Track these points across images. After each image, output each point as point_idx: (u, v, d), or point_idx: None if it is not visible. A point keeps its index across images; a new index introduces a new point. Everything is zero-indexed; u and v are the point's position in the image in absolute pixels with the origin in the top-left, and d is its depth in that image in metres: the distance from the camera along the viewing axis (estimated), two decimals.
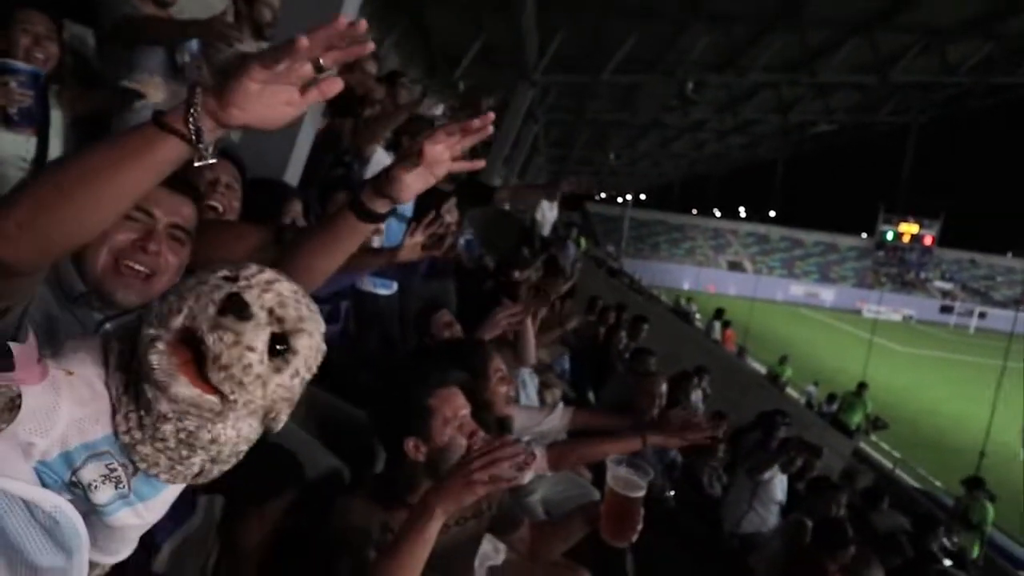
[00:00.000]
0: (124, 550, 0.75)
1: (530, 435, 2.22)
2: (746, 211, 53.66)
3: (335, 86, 0.68)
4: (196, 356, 0.62)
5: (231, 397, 0.62)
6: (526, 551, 1.65)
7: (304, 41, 0.61)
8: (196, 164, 0.67)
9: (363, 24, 0.63)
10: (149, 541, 1.33)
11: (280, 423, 0.71)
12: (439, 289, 3.50)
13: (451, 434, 1.37)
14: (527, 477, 1.76)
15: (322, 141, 3.18)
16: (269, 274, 0.65)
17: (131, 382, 0.65)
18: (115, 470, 0.66)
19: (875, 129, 16.93)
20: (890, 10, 7.67)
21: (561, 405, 2.35)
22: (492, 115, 0.86)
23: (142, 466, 0.67)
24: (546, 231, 8.12)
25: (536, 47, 7.94)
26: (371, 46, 0.65)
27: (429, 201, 3.26)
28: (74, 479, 0.64)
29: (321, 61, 0.64)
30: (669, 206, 49.46)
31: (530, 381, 3.25)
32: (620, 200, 46.08)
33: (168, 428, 0.65)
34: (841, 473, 9.31)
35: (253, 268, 0.66)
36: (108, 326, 0.68)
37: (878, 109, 12.97)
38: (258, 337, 0.61)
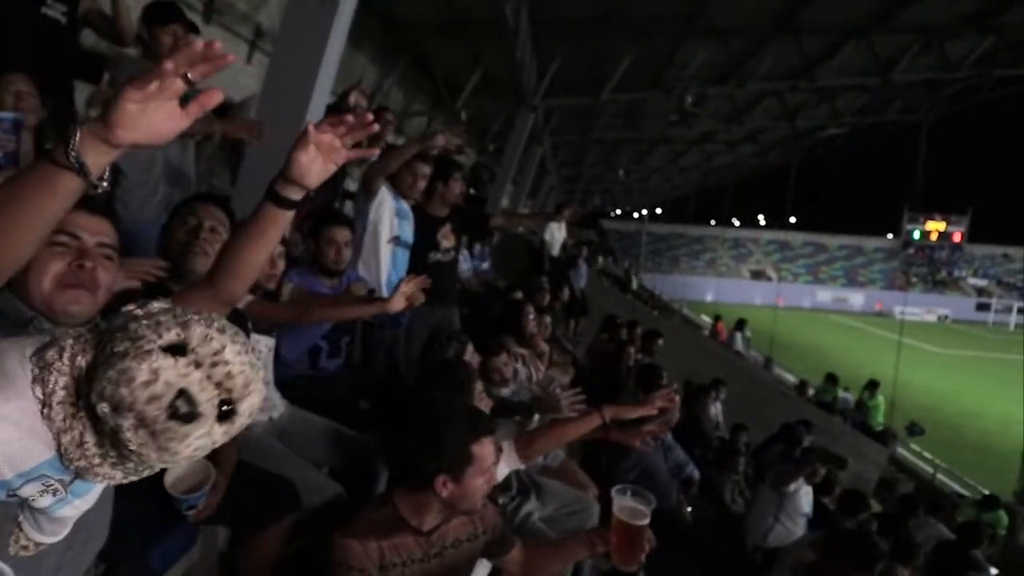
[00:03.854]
0: (64, 531, 0.83)
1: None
2: (765, 218, 53.01)
3: (214, 98, 0.75)
4: None
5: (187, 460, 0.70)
6: (518, 573, 1.66)
7: (169, 65, 0.70)
8: (92, 192, 0.74)
9: (217, 44, 0.71)
10: (147, 574, 1.40)
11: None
12: (444, 316, 3.55)
13: (480, 480, 1.41)
14: (501, 473, 1.79)
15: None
16: (216, 340, 0.66)
17: (87, 420, 0.67)
18: (51, 484, 0.71)
19: (888, 129, 16.71)
20: (884, 13, 7.67)
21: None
22: (369, 115, 0.98)
23: (96, 480, 0.72)
24: (555, 251, 8.17)
25: (534, 73, 8.13)
26: (231, 58, 0.73)
27: (426, 225, 3.36)
28: (11, 496, 0.70)
29: (189, 76, 0.71)
30: (686, 218, 49.19)
31: None
32: (636, 216, 46.04)
33: (135, 459, 0.69)
34: (878, 482, 8.98)
35: (198, 332, 0.66)
36: (33, 358, 0.69)
37: (886, 109, 12.85)
38: (205, 424, 0.66)
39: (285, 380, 2.22)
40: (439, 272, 3.53)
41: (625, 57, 8.22)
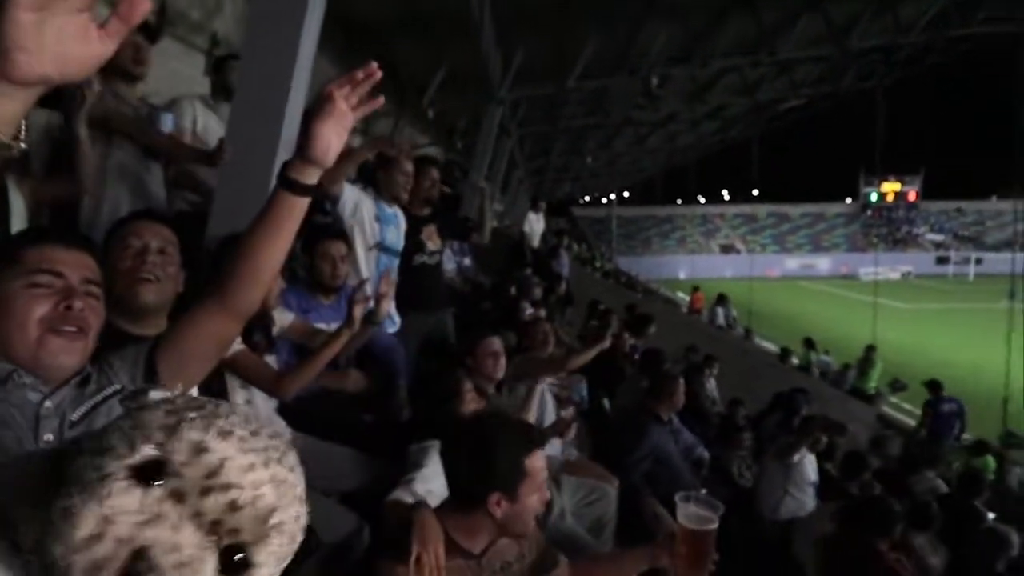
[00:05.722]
0: None
1: None
2: (729, 194, 54.00)
3: (140, 9, 0.56)
4: None
5: None
6: None
7: None
8: (8, 154, 0.58)
9: None
10: None
11: None
12: (436, 322, 3.45)
13: (534, 498, 1.36)
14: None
15: None
16: (215, 450, 0.45)
17: None
18: None
19: (844, 97, 17.11)
20: None
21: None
22: (375, 65, 0.92)
23: None
24: (535, 242, 8.14)
25: (499, 66, 8.03)
26: None
27: (408, 227, 3.25)
28: None
29: None
30: (654, 200, 49.74)
31: (549, 397, 3.22)
32: (605, 200, 46.43)
33: None
34: (869, 441, 9.24)
35: (189, 439, 0.45)
36: None
37: (842, 78, 13.12)
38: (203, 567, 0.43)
39: (284, 400, 2.11)
40: (424, 275, 3.39)
41: (588, 43, 8.18)
